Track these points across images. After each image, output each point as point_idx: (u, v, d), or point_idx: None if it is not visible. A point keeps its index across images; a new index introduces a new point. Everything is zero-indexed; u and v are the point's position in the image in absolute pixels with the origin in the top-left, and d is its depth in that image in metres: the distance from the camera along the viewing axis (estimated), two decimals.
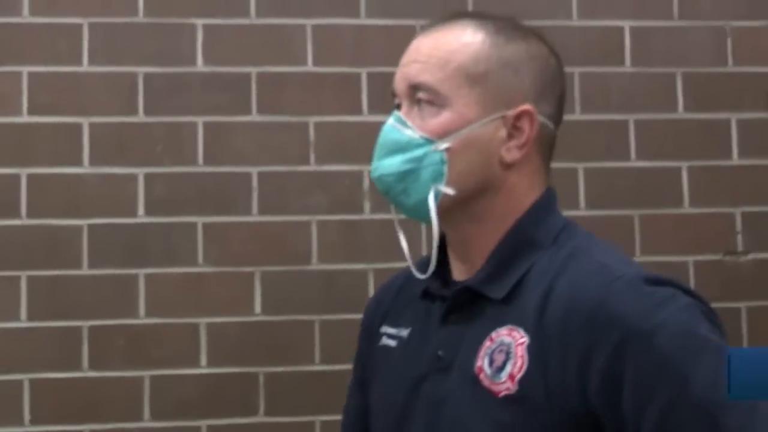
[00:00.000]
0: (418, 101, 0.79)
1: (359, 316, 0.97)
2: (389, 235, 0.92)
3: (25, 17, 1.74)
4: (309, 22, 1.81)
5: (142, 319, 1.74)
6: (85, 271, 1.71)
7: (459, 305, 0.80)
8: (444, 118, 0.78)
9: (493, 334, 0.75)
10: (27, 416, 1.67)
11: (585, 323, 0.70)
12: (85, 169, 1.75)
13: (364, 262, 1.78)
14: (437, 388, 0.78)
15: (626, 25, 1.87)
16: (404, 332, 0.86)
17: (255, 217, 1.78)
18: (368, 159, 0.84)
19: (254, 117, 1.79)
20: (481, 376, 0.74)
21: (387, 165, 0.80)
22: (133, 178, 1.76)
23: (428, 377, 0.80)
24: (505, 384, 0.72)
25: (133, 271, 1.74)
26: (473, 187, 0.79)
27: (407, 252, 0.84)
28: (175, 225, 1.77)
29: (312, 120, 1.80)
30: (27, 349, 1.69)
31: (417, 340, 0.83)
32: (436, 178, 0.77)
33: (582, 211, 1.81)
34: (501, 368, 0.73)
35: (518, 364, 0.72)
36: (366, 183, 1.77)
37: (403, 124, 0.79)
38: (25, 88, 1.73)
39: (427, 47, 0.81)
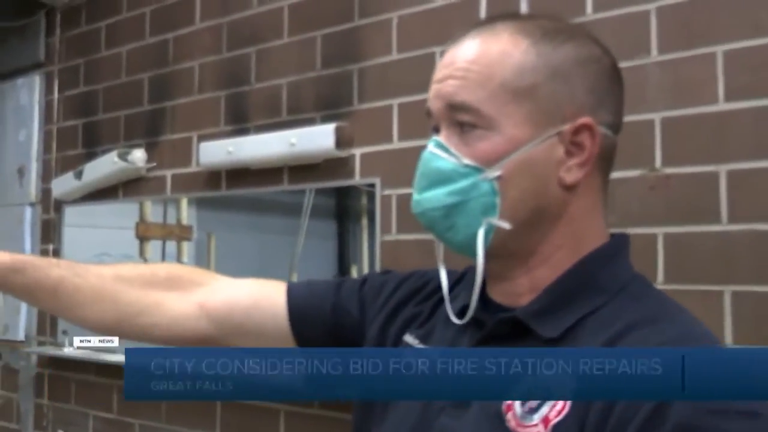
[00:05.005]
0: (460, 123, 0.72)
1: None
2: None
3: None
4: None
5: None
6: None
7: (498, 336, 0.72)
8: (492, 142, 0.70)
9: None
10: None
11: (655, 408, 0.59)
12: None
13: None
14: (452, 422, 0.71)
15: None
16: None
17: None
18: None
19: None
20: (509, 414, 0.67)
21: (430, 198, 0.73)
22: None
23: (445, 409, 0.73)
24: (535, 428, 0.65)
25: None
26: (529, 215, 0.71)
27: (446, 287, 0.79)
28: None
29: None
30: None
31: None
32: (488, 210, 0.71)
33: None
34: (535, 409, 0.66)
35: (558, 407, 0.65)
36: None
37: (445, 150, 0.72)
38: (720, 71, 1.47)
39: (463, 60, 0.72)
